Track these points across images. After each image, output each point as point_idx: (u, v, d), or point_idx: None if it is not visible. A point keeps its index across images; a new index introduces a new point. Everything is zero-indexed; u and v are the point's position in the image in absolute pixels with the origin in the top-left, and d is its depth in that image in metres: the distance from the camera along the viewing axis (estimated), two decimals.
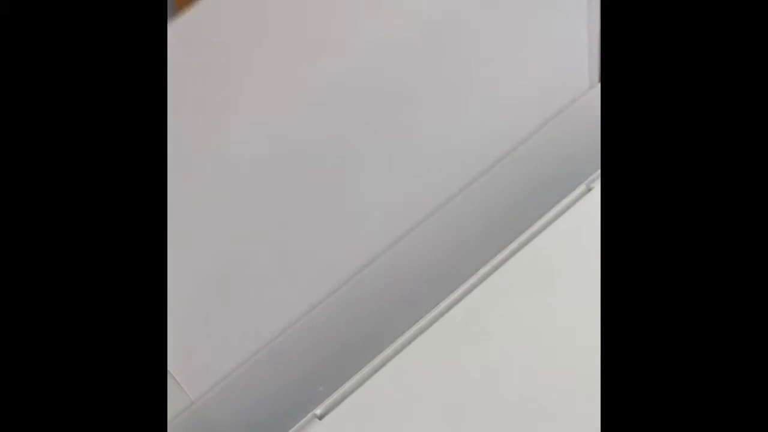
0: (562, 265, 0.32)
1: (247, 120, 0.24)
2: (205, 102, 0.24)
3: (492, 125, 0.33)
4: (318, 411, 0.29)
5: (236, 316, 0.28)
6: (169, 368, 0.28)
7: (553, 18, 0.33)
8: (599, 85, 0.36)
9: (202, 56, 0.23)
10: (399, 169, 0.29)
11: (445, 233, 0.31)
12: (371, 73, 0.26)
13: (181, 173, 0.24)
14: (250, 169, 0.25)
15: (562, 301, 0.31)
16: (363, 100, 0.26)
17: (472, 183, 0.33)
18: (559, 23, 0.33)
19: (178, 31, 0.21)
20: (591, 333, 0.29)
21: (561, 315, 0.30)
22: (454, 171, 0.33)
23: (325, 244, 0.28)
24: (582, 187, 0.34)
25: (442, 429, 0.28)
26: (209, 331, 0.28)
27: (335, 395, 0.29)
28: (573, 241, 0.32)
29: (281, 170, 0.26)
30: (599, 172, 0.34)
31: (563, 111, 0.34)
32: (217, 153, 0.25)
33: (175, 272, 0.26)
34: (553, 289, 0.31)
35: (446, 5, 0.27)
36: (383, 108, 0.27)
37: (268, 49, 0.23)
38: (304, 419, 0.29)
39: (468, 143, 0.32)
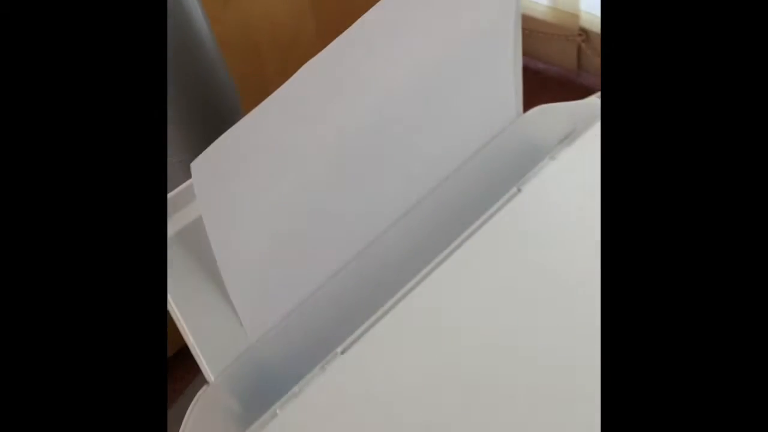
0: (502, 247, 0.44)
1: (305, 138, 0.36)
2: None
3: (452, 145, 0.45)
4: (340, 349, 0.41)
5: (289, 274, 0.39)
6: (239, 314, 0.38)
7: (489, 69, 0.45)
8: (523, 114, 0.48)
9: None
10: (397, 174, 0.42)
11: (425, 220, 0.43)
12: (378, 112, 0.38)
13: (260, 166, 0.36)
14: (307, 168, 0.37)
15: (499, 275, 0.43)
16: (377, 132, 0.39)
17: (439, 186, 0.45)
18: (494, 72, 0.46)
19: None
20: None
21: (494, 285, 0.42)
22: (423, 178, 0.45)
23: (351, 219, 0.40)
24: (514, 189, 0.46)
25: (441, 364, 0.39)
26: (268, 285, 0.39)
27: (354, 335, 0.40)
28: (509, 227, 0.44)
29: (327, 170, 0.38)
30: (526, 177, 0.46)
31: (500, 134, 0.47)
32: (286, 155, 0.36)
33: (247, 239, 0.37)
34: (498, 265, 0.43)
35: (427, 66, 0.40)
36: (387, 135, 0.40)
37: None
38: (330, 355, 0.41)
39: (437, 158, 0.45)
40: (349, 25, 0.35)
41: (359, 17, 0.35)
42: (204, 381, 0.40)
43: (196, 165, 0.30)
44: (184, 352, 0.49)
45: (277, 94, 0.33)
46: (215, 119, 0.42)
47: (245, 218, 0.36)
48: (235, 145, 0.33)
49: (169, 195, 0.35)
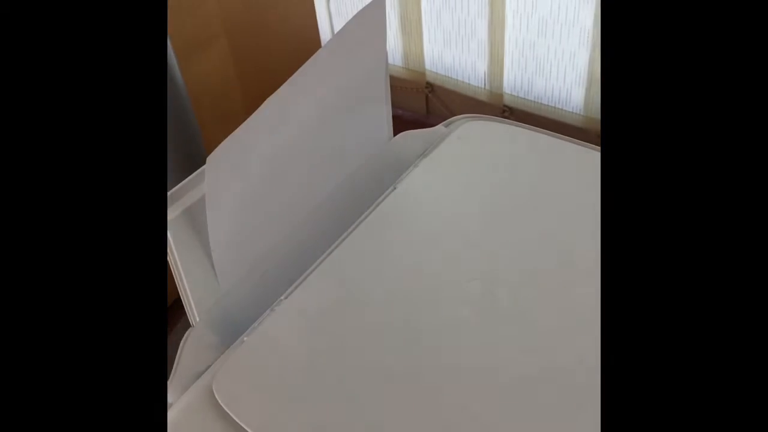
0: (387, 224, 0.61)
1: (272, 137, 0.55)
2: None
3: (346, 159, 0.64)
4: (283, 296, 0.58)
5: (249, 244, 0.57)
6: (216, 272, 0.55)
7: (369, 108, 0.65)
8: (393, 138, 0.69)
9: None
10: (315, 175, 0.60)
11: (334, 207, 0.62)
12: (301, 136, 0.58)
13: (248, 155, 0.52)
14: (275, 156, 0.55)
15: (385, 240, 0.62)
16: (300, 149, 0.58)
17: (339, 186, 0.64)
18: (373, 110, 0.66)
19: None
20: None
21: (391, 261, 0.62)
22: (330, 180, 0.63)
23: (289, 204, 0.58)
24: (391, 188, 0.64)
25: (356, 306, 0.57)
26: (234, 252, 0.56)
27: (293, 286, 0.58)
28: (388, 216, 0.62)
29: (275, 171, 0.56)
30: (399, 179, 0.65)
31: (379, 152, 0.67)
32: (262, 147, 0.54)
33: (225, 219, 0.54)
34: (384, 234, 0.62)
35: (329, 107, 0.59)
36: (307, 151, 0.59)
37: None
38: (277, 300, 0.57)
39: (338, 166, 0.64)
40: (262, 84, 0.53)
41: (270, 78, 0.52)
42: (187, 325, 0.57)
43: (210, 158, 0.48)
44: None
45: (248, 122, 0.51)
46: (184, 145, 0.61)
47: (226, 204, 0.54)
48: (228, 149, 0.50)
49: (175, 188, 0.53)
